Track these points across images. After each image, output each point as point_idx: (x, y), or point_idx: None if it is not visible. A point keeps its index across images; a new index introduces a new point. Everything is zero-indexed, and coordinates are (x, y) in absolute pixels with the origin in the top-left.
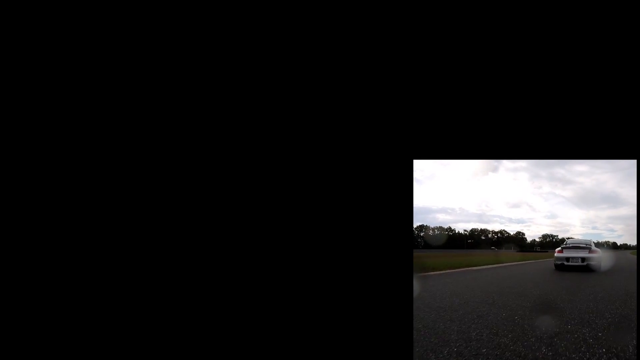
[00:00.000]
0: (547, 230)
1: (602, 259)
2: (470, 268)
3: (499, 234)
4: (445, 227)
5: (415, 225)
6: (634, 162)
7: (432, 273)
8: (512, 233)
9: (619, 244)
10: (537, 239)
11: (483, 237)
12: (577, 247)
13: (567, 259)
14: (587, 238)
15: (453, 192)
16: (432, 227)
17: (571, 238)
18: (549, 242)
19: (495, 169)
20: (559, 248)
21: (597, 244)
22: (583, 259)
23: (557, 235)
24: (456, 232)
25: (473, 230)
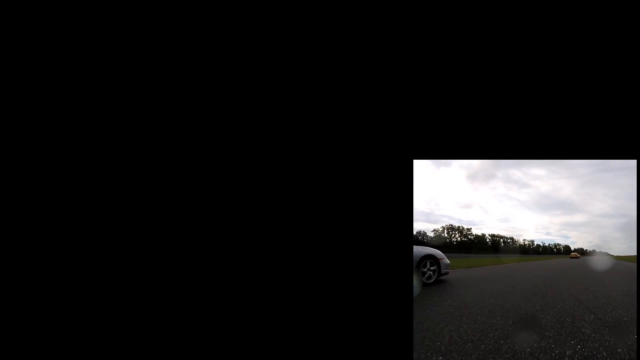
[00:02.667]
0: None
1: None
2: None
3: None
4: None
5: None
6: (591, 169)
7: None
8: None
9: (572, 249)
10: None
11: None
12: None
13: None
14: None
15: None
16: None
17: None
18: (468, 242)
19: (448, 164)
20: None
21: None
22: None
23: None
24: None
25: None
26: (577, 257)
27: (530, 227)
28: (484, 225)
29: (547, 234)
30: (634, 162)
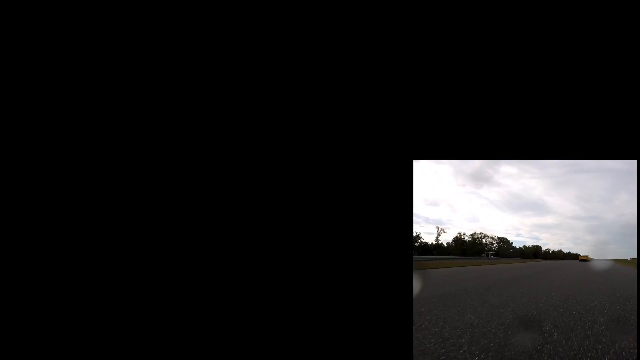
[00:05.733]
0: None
1: None
2: None
3: None
4: None
5: None
6: (564, 170)
7: None
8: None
9: (541, 250)
10: None
11: None
12: None
13: None
14: (517, 245)
15: None
16: None
17: None
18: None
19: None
20: None
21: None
22: None
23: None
24: None
25: None
26: (588, 260)
27: (501, 228)
28: (451, 224)
29: (518, 235)
30: (608, 163)
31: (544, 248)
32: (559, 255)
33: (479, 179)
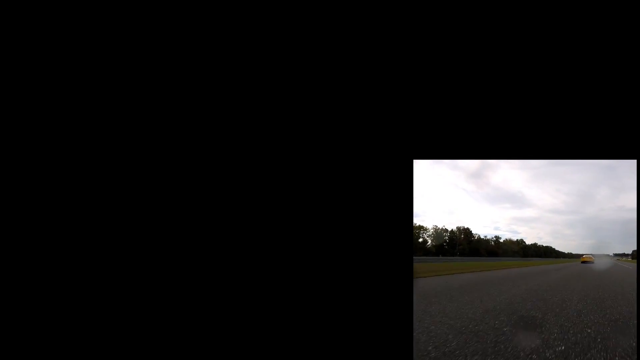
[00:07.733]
0: (448, 228)
1: None
2: None
3: None
4: None
5: None
6: (545, 161)
7: None
8: None
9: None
10: None
11: None
12: None
13: None
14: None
15: None
16: None
17: None
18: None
19: None
20: None
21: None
22: None
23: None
24: None
25: None
26: (592, 262)
27: (478, 221)
28: (426, 216)
29: (496, 228)
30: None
31: (506, 238)
32: (505, 248)
33: (458, 169)
